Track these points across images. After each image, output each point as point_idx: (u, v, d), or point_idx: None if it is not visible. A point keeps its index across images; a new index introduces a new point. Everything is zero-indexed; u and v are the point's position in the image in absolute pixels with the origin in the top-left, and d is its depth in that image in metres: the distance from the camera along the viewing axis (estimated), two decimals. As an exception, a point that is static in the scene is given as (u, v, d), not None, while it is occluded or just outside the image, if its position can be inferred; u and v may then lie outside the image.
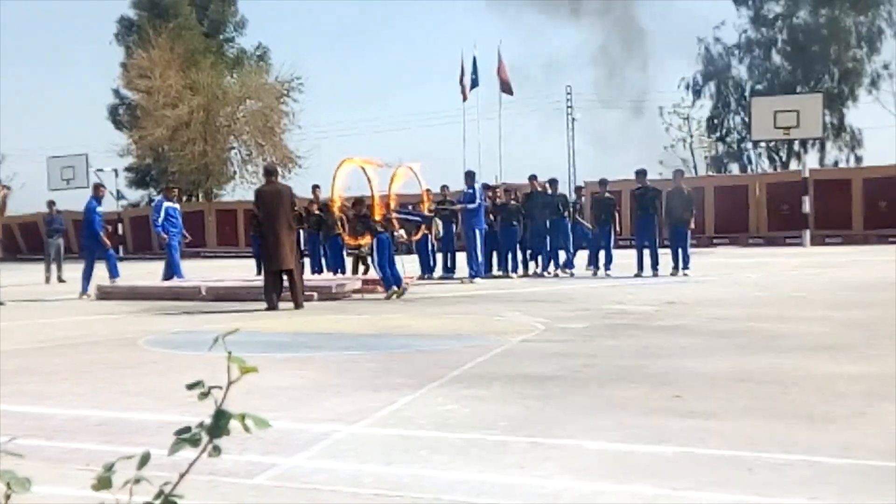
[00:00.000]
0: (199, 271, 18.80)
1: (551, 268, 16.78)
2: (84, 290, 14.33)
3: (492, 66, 39.62)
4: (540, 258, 16.85)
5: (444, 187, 18.14)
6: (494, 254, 17.29)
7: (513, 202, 17.04)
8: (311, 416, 4.49)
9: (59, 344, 8.03)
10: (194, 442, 1.27)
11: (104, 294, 13.99)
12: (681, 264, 15.52)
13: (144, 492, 1.29)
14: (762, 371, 5.52)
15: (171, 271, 15.25)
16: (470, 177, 16.39)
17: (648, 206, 15.90)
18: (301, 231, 15.00)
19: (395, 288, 12.44)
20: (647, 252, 15.94)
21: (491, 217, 16.71)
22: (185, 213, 18.73)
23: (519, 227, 16.76)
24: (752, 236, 32.23)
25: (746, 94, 45.91)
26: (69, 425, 4.43)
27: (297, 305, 11.07)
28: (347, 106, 66.06)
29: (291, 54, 58.72)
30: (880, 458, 3.42)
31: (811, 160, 37.70)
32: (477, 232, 15.88)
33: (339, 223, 15.93)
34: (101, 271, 14.80)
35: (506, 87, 40.01)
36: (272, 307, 10.96)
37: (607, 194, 16.78)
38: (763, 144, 44.35)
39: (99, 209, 15.36)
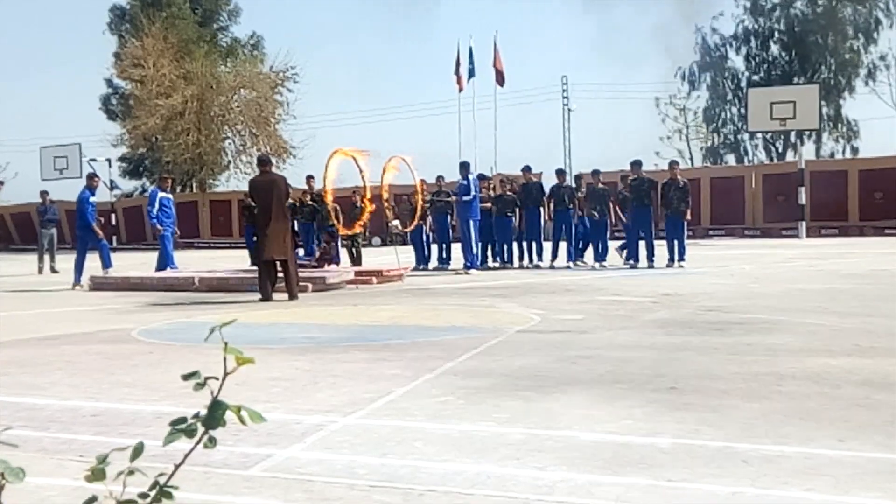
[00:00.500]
0: (192, 262, 18.79)
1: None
2: (77, 281, 14.28)
3: (488, 57, 39.61)
4: (534, 249, 16.81)
5: (439, 178, 18.12)
6: (490, 245, 17.27)
7: (508, 193, 17.02)
8: (306, 407, 4.48)
9: (52, 335, 8.00)
10: (189, 433, 1.26)
11: (97, 285, 13.95)
12: (676, 256, 15.53)
13: (139, 483, 1.28)
14: (757, 362, 5.52)
15: (165, 262, 15.22)
16: (464, 167, 16.36)
17: (644, 197, 15.89)
18: (295, 221, 15.01)
19: None
20: (642, 243, 15.96)
21: (489, 207, 16.67)
22: (178, 204, 18.71)
23: (514, 218, 16.75)
24: (748, 228, 32.31)
25: (743, 84, 45.93)
26: (63, 416, 4.41)
27: (292, 296, 11.06)
28: (342, 96, 66.02)
29: (286, 44, 58.46)
30: (876, 450, 3.42)
31: (808, 151, 37.77)
32: (471, 223, 15.86)
33: (332, 213, 15.93)
34: (94, 262, 14.76)
35: (499, 78, 40.03)
36: (266, 298, 10.94)
37: (601, 185, 16.76)
38: (759, 135, 44.40)
39: (92, 199, 15.31)
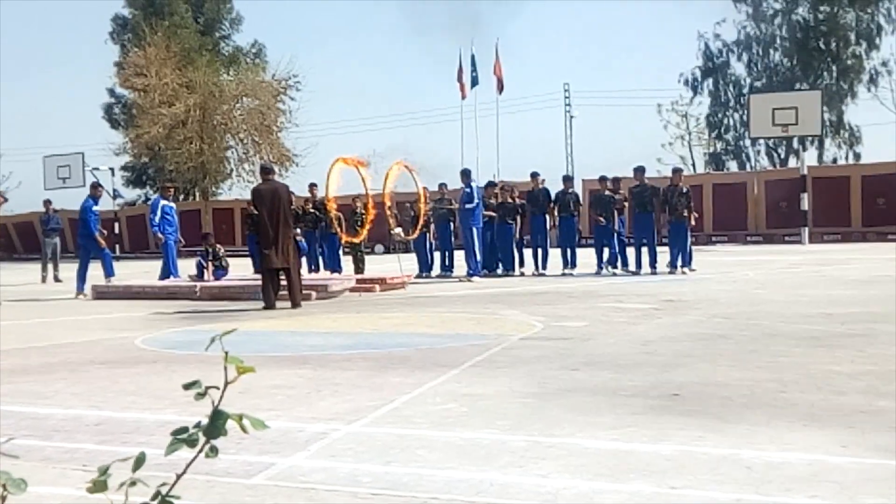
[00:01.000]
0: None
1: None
2: (80, 290, 14.30)
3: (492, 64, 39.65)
4: (540, 256, 16.78)
5: (441, 185, 18.13)
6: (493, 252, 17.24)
7: (510, 200, 17.01)
8: (309, 415, 4.48)
9: (55, 343, 8.01)
10: (191, 442, 1.26)
11: (100, 294, 13.96)
12: (681, 262, 15.51)
13: (141, 492, 1.28)
14: (761, 369, 5.51)
15: (168, 271, 15.23)
16: (466, 175, 16.36)
17: (646, 203, 15.89)
18: (298, 229, 15.02)
19: None
20: (644, 250, 15.95)
21: (491, 214, 16.67)
22: (181, 212, 18.72)
23: (515, 226, 16.74)
24: (751, 234, 32.24)
25: (745, 90, 45.93)
26: (66, 425, 4.42)
27: (295, 304, 11.06)
28: (345, 103, 66.07)
29: (288, 51, 58.53)
30: (880, 456, 3.41)
31: (810, 157, 37.67)
32: (474, 230, 15.86)
33: (335, 221, 15.95)
34: (97, 271, 14.77)
35: (499, 86, 40.08)
36: (270, 306, 10.94)
37: (608, 191, 16.74)
38: (762, 142, 44.36)
39: (96, 208, 15.33)
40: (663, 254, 15.86)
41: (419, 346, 7.08)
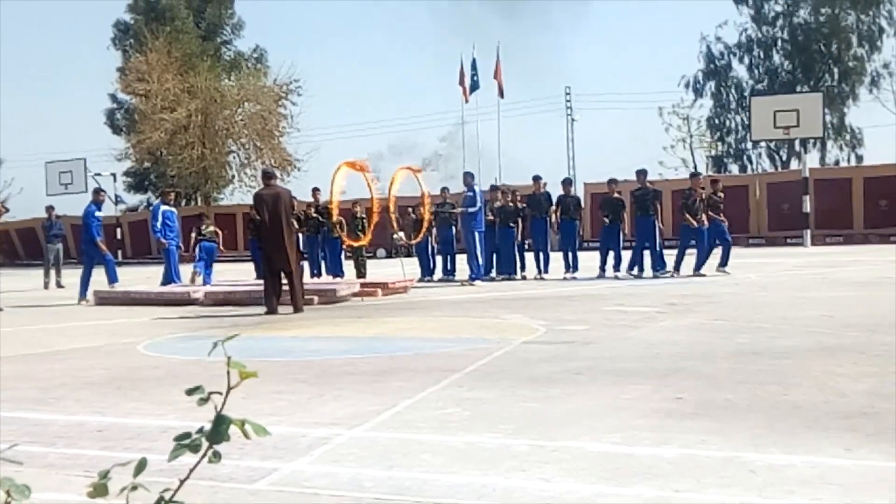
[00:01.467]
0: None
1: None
2: (82, 296, 14.30)
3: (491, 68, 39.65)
4: (542, 260, 16.77)
5: (444, 189, 18.13)
6: (495, 255, 17.24)
7: (510, 204, 17.01)
8: (312, 420, 4.48)
9: (57, 349, 8.01)
10: (194, 448, 1.26)
11: (102, 299, 13.97)
12: (720, 262, 15.57)
13: (144, 498, 1.28)
14: (763, 372, 5.51)
15: (170, 276, 15.24)
16: (469, 178, 16.37)
17: (648, 206, 15.87)
18: (300, 234, 15.03)
19: None
20: (646, 253, 15.93)
21: (491, 217, 16.67)
22: (184, 217, 18.74)
23: (516, 229, 16.73)
24: (753, 236, 32.23)
25: (746, 93, 45.94)
26: (69, 431, 4.42)
27: (297, 309, 11.06)
28: (347, 108, 66.11)
29: (289, 54, 58.68)
30: (883, 459, 3.41)
31: (812, 160, 37.66)
32: (476, 234, 15.86)
33: (337, 226, 15.96)
34: (100, 276, 14.79)
35: (500, 91, 40.11)
36: (272, 311, 10.95)
37: (616, 194, 16.71)
38: (763, 144, 44.37)
39: (98, 214, 15.33)
40: (668, 257, 15.85)
41: (421, 351, 7.08)
